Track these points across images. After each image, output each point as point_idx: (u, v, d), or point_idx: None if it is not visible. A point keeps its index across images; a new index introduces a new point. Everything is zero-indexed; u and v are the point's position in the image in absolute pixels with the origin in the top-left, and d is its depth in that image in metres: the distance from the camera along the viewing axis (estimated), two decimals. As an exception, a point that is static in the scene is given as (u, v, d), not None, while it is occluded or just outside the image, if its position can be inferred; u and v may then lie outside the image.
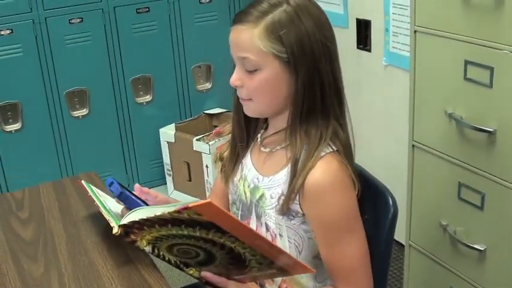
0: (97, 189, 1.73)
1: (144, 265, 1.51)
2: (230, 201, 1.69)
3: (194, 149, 3.62)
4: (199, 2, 3.83)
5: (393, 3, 2.77)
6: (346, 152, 1.47)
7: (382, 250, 1.57)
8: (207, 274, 1.45)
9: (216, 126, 3.87)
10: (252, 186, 1.57)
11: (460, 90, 1.97)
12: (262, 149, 1.58)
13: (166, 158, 3.86)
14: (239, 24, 1.44)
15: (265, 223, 1.53)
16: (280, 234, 1.51)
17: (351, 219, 1.44)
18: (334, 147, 1.45)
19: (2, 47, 3.34)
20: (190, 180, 3.78)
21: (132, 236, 1.46)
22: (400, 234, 1.90)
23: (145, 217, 1.37)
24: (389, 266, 1.62)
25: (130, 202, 1.59)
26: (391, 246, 1.59)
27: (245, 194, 1.60)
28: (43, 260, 1.58)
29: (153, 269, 1.50)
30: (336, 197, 1.42)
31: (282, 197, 1.47)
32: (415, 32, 2.10)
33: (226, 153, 1.68)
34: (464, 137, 1.99)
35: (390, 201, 1.54)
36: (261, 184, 1.54)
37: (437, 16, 2.00)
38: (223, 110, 3.99)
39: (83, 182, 1.75)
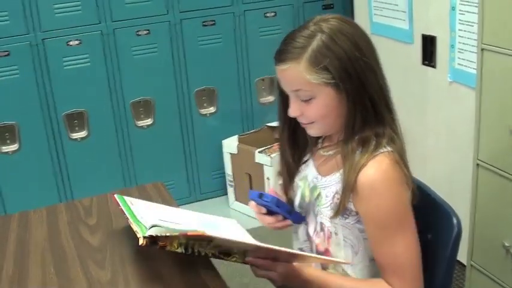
0: (131, 199, 1.75)
1: (208, 275, 1.53)
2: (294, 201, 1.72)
3: (256, 161, 3.65)
4: (264, 16, 3.87)
5: (459, 20, 2.74)
6: (400, 156, 1.49)
7: (445, 270, 1.55)
8: (250, 259, 1.46)
9: (278, 139, 3.87)
10: (311, 185, 1.63)
11: (528, 110, 1.95)
12: (323, 152, 1.64)
13: (228, 169, 3.90)
14: (282, 63, 1.49)
15: (321, 222, 1.58)
16: (335, 233, 1.55)
17: (402, 216, 1.47)
18: (389, 148, 1.48)
19: (71, 56, 3.44)
20: (251, 191, 3.79)
21: (160, 243, 1.46)
22: (461, 253, 1.88)
23: (164, 235, 1.42)
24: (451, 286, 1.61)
25: (284, 208, 1.62)
26: (454, 266, 1.58)
27: (305, 192, 1.65)
28: (110, 267, 1.61)
29: (215, 276, 1.53)
30: (387, 193, 1.45)
31: (336, 195, 1.52)
32: (482, 50, 2.08)
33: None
34: (531, 157, 1.97)
35: (454, 221, 1.53)
36: (319, 183, 1.60)
37: (505, 34, 1.98)
38: (285, 123, 3.98)
39: (115, 195, 1.77)
